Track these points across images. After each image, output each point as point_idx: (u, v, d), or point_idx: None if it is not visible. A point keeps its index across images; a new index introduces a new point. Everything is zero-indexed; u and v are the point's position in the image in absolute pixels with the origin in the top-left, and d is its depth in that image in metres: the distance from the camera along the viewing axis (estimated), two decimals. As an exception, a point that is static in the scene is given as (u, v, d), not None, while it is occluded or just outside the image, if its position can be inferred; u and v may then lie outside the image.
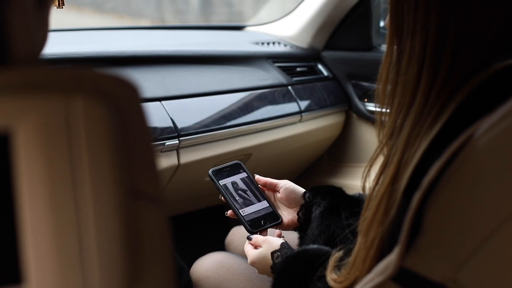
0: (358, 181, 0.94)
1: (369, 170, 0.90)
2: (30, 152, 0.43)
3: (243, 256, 1.30)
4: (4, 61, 0.49)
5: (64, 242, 0.44)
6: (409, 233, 0.62)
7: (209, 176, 1.20)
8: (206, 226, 2.27)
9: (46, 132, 0.43)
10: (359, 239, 0.85)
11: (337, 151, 2.32)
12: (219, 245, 1.51)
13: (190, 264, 1.34)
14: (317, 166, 2.35)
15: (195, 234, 2.19)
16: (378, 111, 0.90)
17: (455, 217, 0.60)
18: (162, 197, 0.52)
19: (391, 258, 0.63)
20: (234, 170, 1.23)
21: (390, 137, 0.86)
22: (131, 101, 0.50)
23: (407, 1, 0.83)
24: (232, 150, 1.80)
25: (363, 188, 0.91)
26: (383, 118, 0.89)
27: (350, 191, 1.25)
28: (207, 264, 1.29)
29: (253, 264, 1.14)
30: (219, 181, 1.19)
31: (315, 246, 1.08)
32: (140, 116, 0.51)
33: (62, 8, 0.87)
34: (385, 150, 0.88)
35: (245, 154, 1.89)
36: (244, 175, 1.23)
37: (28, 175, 0.43)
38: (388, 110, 0.87)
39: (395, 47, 0.86)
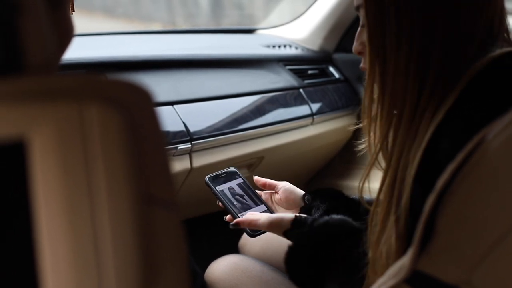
0: (371, 183, 0.95)
1: (366, 177, 0.92)
2: (45, 160, 0.44)
3: (258, 258, 1.30)
4: (17, 69, 0.49)
5: (80, 248, 0.44)
6: (423, 235, 0.62)
7: (206, 183, 1.21)
8: (219, 229, 2.26)
9: (61, 140, 0.44)
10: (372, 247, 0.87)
11: (349, 153, 2.31)
12: (233, 248, 1.51)
13: (203, 267, 1.34)
14: (330, 169, 2.35)
15: (208, 237, 2.19)
16: (366, 125, 0.92)
17: (469, 219, 0.60)
18: (176, 201, 0.52)
19: (405, 261, 0.63)
20: (230, 176, 1.25)
21: (382, 145, 0.88)
22: (144, 106, 0.51)
23: (388, 18, 0.84)
24: (244, 153, 1.80)
25: (360, 190, 0.93)
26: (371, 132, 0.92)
27: (363, 193, 1.25)
28: (222, 267, 1.29)
29: (270, 224, 1.10)
30: (216, 187, 1.20)
31: (339, 216, 1.08)
32: (153, 122, 0.52)
33: (73, 13, 0.87)
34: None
35: (258, 157, 1.89)
36: (240, 180, 1.24)
37: (44, 182, 0.44)
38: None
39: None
